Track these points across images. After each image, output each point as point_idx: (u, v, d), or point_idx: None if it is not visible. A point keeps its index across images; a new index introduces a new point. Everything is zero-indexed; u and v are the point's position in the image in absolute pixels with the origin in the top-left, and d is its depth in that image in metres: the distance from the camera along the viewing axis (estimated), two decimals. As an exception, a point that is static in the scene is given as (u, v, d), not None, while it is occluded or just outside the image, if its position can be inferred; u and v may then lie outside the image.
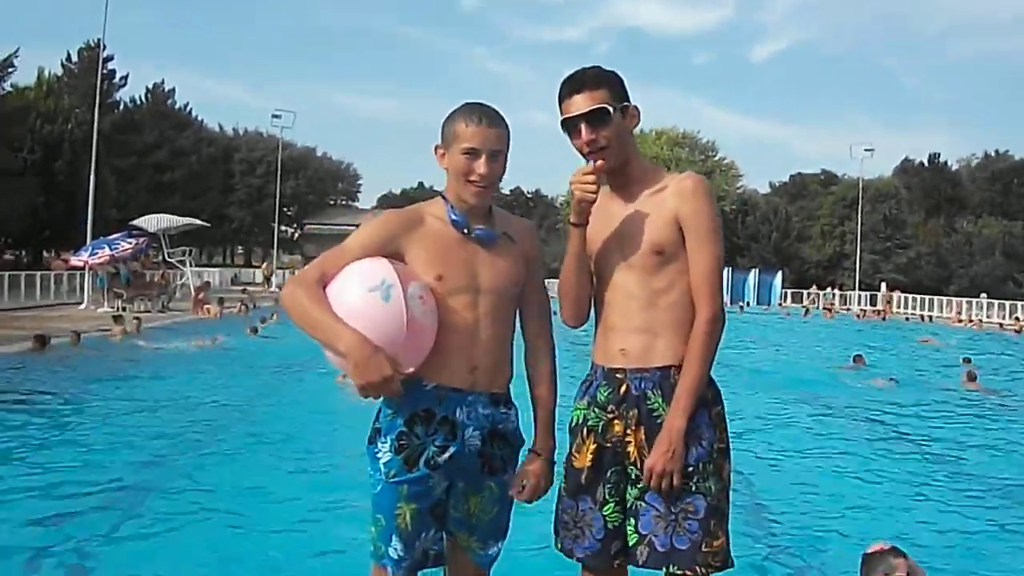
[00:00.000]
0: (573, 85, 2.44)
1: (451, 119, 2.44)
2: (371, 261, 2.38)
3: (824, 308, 41.95)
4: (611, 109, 2.41)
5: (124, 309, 22.37)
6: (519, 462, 2.57)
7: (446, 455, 2.40)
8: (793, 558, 4.85)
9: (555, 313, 2.68)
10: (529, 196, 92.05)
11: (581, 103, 2.41)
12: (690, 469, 2.35)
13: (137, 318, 17.53)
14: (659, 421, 2.39)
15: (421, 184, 68.25)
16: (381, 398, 2.40)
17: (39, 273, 28.20)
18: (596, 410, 2.49)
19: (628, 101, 2.48)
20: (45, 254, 41.36)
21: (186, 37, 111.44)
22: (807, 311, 38.96)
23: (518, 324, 2.61)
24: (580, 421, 2.54)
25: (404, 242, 2.44)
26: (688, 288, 2.43)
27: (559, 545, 2.56)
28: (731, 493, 2.49)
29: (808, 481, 6.75)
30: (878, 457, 7.88)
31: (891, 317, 37.54)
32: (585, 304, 2.60)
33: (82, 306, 23.91)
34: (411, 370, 2.36)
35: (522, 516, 2.71)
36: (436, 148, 2.49)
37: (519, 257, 2.54)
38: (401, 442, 2.41)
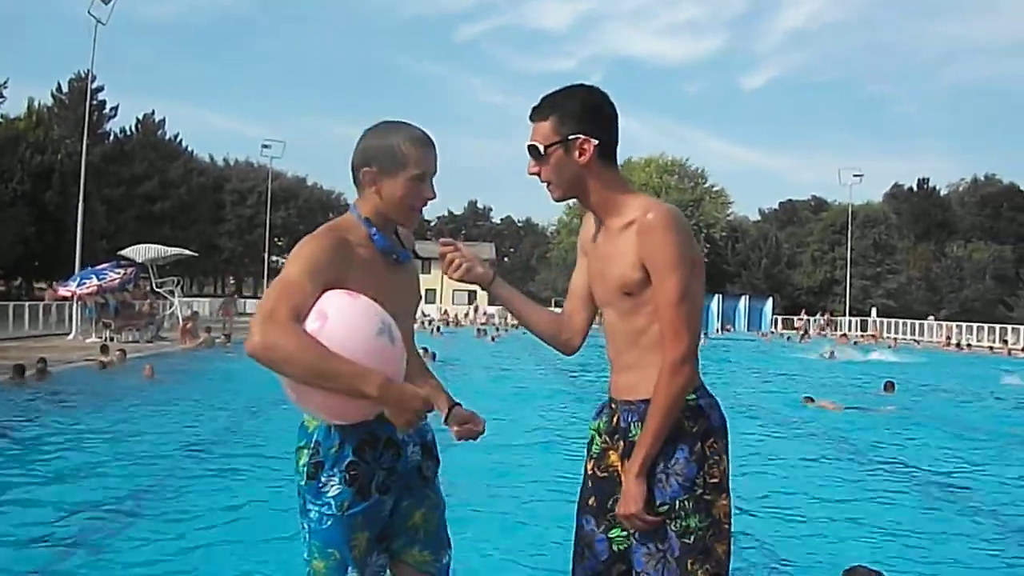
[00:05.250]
0: (531, 111, 2.40)
1: (391, 141, 2.30)
2: (355, 300, 2.19)
3: (801, 332, 41.95)
4: (541, 149, 2.34)
5: (112, 339, 22.26)
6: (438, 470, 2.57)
7: (394, 476, 2.36)
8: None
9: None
10: (520, 224, 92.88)
11: (531, 133, 2.38)
12: (664, 507, 2.30)
13: (121, 350, 17.26)
14: None
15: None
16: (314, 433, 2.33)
17: (27, 303, 28.06)
18: (599, 436, 2.50)
19: (585, 129, 2.32)
20: (36, 284, 41.21)
21: (176, 68, 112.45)
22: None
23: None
24: (590, 441, 2.54)
25: (344, 272, 2.23)
26: None
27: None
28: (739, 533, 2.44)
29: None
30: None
31: (880, 342, 37.53)
32: (558, 337, 2.59)
33: (70, 336, 23.77)
34: None
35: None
36: (364, 172, 2.31)
37: (416, 271, 2.54)
38: (352, 472, 2.29)
